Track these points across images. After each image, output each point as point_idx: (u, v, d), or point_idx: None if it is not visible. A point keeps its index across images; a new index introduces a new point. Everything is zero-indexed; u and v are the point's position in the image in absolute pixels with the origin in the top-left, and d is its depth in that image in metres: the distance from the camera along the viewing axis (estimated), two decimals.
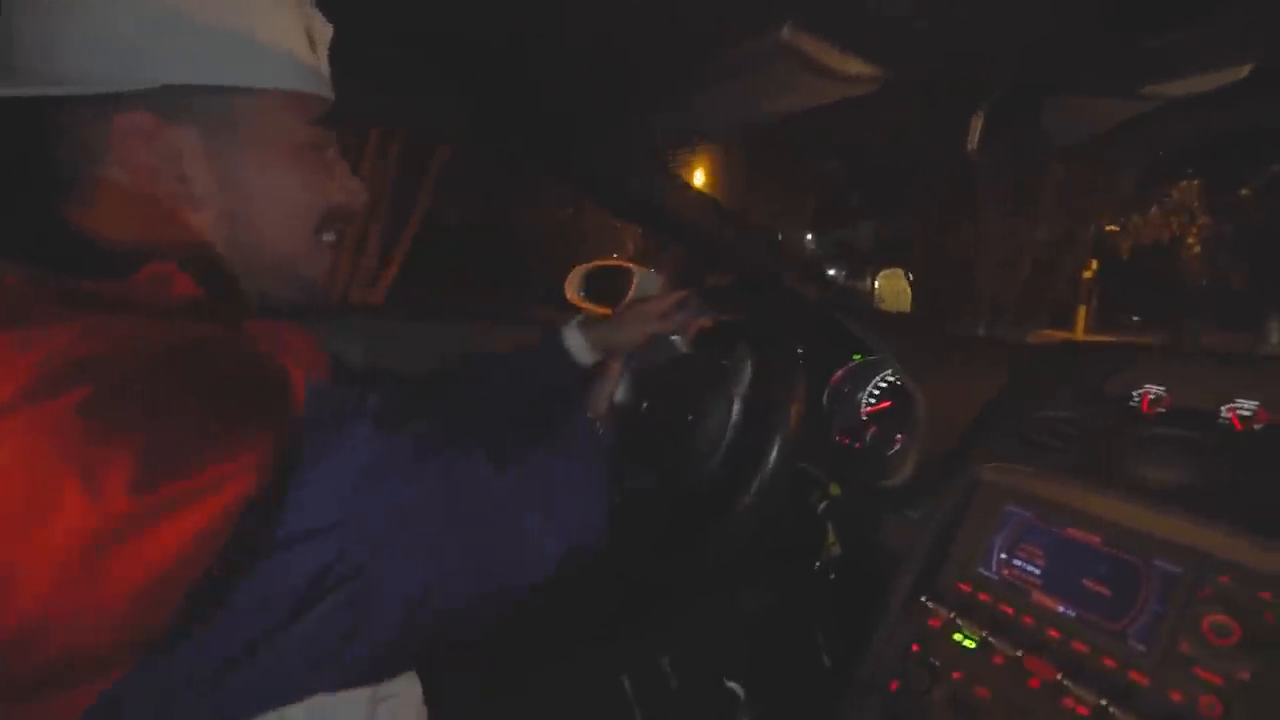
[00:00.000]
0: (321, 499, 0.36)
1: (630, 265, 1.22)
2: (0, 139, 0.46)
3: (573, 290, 1.26)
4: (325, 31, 0.51)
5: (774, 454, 0.75)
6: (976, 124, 0.72)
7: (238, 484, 0.33)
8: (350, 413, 0.41)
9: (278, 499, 0.34)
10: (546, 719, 0.65)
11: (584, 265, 1.29)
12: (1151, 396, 0.87)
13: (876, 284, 1.23)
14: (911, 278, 1.19)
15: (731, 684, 0.83)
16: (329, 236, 0.55)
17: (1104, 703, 0.62)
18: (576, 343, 0.88)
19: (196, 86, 0.43)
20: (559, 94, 0.88)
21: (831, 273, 1.44)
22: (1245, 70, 0.67)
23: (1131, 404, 0.88)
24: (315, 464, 0.37)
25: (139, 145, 0.43)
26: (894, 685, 0.76)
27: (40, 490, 0.29)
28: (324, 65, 0.51)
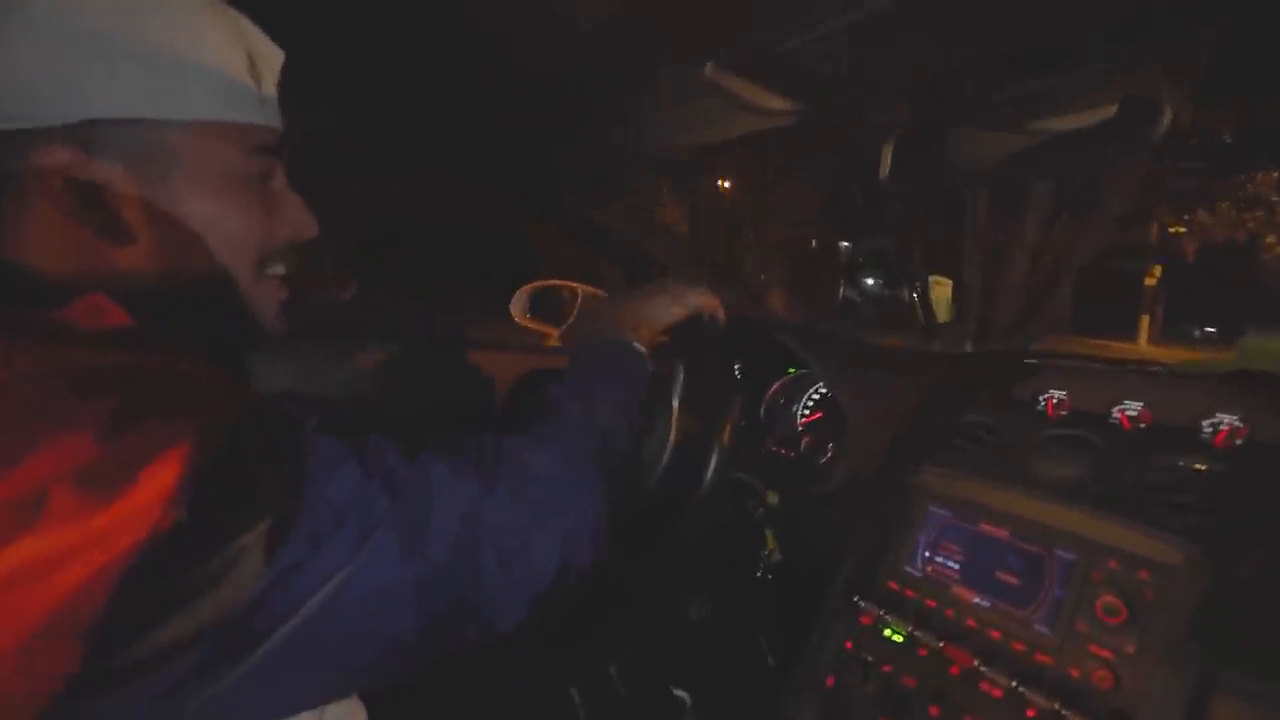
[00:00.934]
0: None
1: (575, 285, 1.25)
2: None
3: (519, 310, 1.28)
4: (272, 57, 0.50)
5: (711, 461, 0.78)
6: (886, 154, 0.78)
7: (146, 516, 0.32)
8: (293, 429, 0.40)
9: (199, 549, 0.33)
10: None
11: (529, 285, 1.31)
12: (1055, 400, 0.96)
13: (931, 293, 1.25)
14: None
15: (679, 692, 0.85)
16: (277, 269, 0.53)
17: (1014, 684, 0.67)
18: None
19: (120, 120, 0.42)
20: (501, 116, 0.91)
21: (870, 282, 1.45)
22: (1112, 109, 0.76)
23: (1038, 408, 0.96)
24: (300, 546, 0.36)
25: (59, 182, 0.41)
26: (830, 681, 0.80)
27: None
28: (268, 92, 0.49)
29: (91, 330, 0.39)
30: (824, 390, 1.12)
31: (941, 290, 1.35)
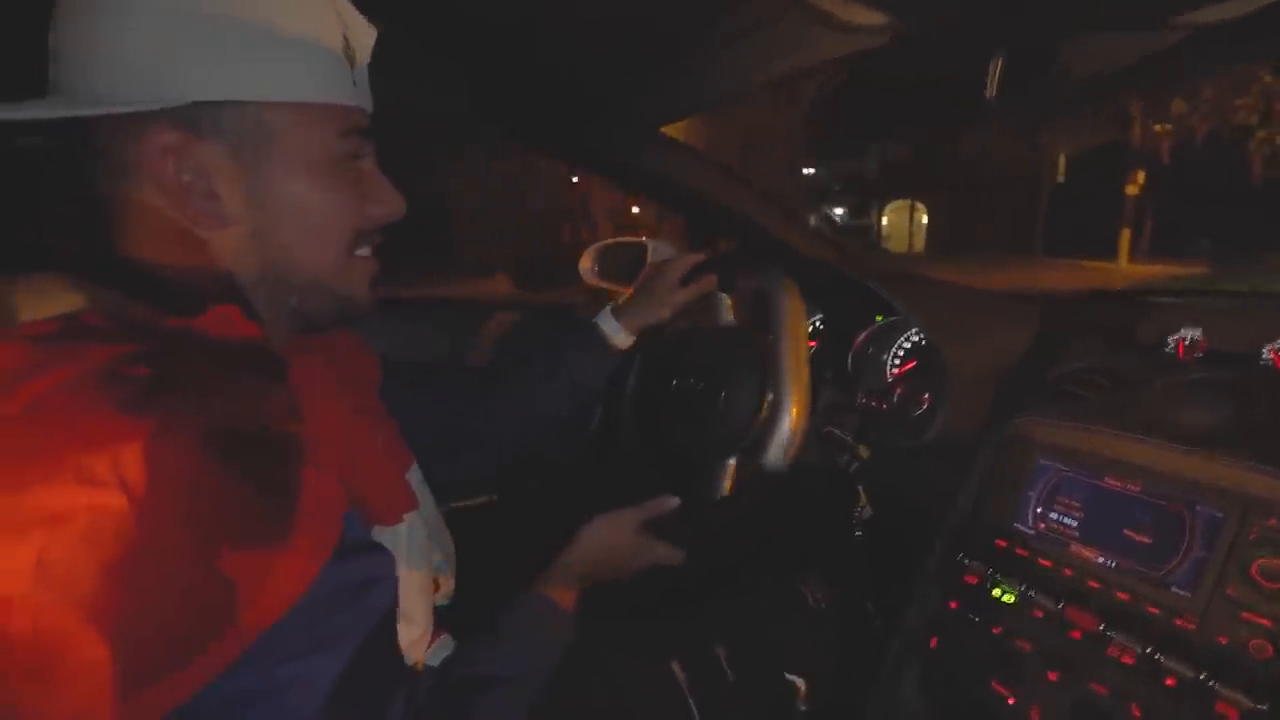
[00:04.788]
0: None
1: (643, 239, 1.21)
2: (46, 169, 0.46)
3: (588, 269, 1.25)
4: (367, 36, 0.49)
5: (789, 417, 0.74)
6: (995, 70, 0.69)
7: (291, 572, 0.35)
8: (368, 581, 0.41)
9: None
10: (593, 698, 0.65)
11: (597, 244, 1.28)
12: (1187, 341, 0.85)
13: (884, 220, 1.20)
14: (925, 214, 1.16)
15: (791, 676, 0.82)
16: (364, 251, 0.53)
17: (1148, 650, 0.61)
18: (612, 329, 0.86)
19: (225, 102, 0.42)
20: (565, 72, 0.86)
21: (839, 212, 1.40)
22: None
23: (1167, 350, 0.86)
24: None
25: (169, 164, 0.42)
26: (934, 642, 0.77)
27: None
28: (361, 72, 0.49)
29: (225, 343, 0.40)
30: (917, 338, 1.05)
31: (917, 215, 1.25)
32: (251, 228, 0.45)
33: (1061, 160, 12.70)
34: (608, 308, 0.89)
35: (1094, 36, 0.73)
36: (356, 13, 0.48)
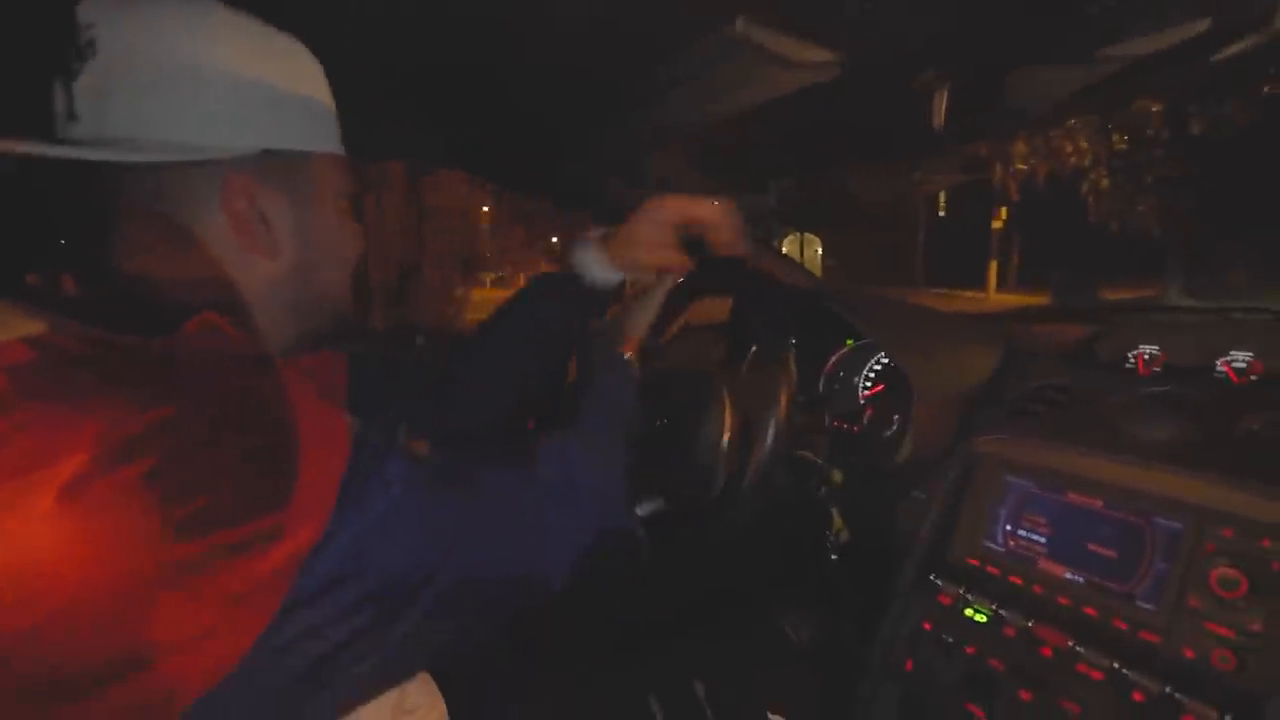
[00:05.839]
0: (349, 546, 0.39)
1: None
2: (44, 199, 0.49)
3: None
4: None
5: (769, 437, 0.74)
6: (940, 102, 0.72)
7: (298, 534, 0.37)
8: (383, 452, 0.43)
9: (322, 548, 0.38)
10: None
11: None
12: (1146, 356, 0.87)
13: (783, 251, 1.21)
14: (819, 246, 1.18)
15: (774, 716, 0.81)
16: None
17: (1116, 665, 0.61)
18: (592, 261, 0.77)
19: (284, 151, 0.51)
20: (529, 113, 0.89)
21: None
22: (1204, 25, 0.67)
23: (1127, 365, 0.88)
24: (347, 510, 0.39)
25: (242, 201, 0.49)
26: (909, 664, 0.76)
27: (114, 548, 0.33)
28: None
29: (211, 350, 0.43)
30: (886, 361, 1.06)
31: (811, 247, 1.29)
32: (295, 260, 0.53)
33: (942, 196, 13.77)
34: (585, 238, 0.79)
35: (1033, 69, 0.77)
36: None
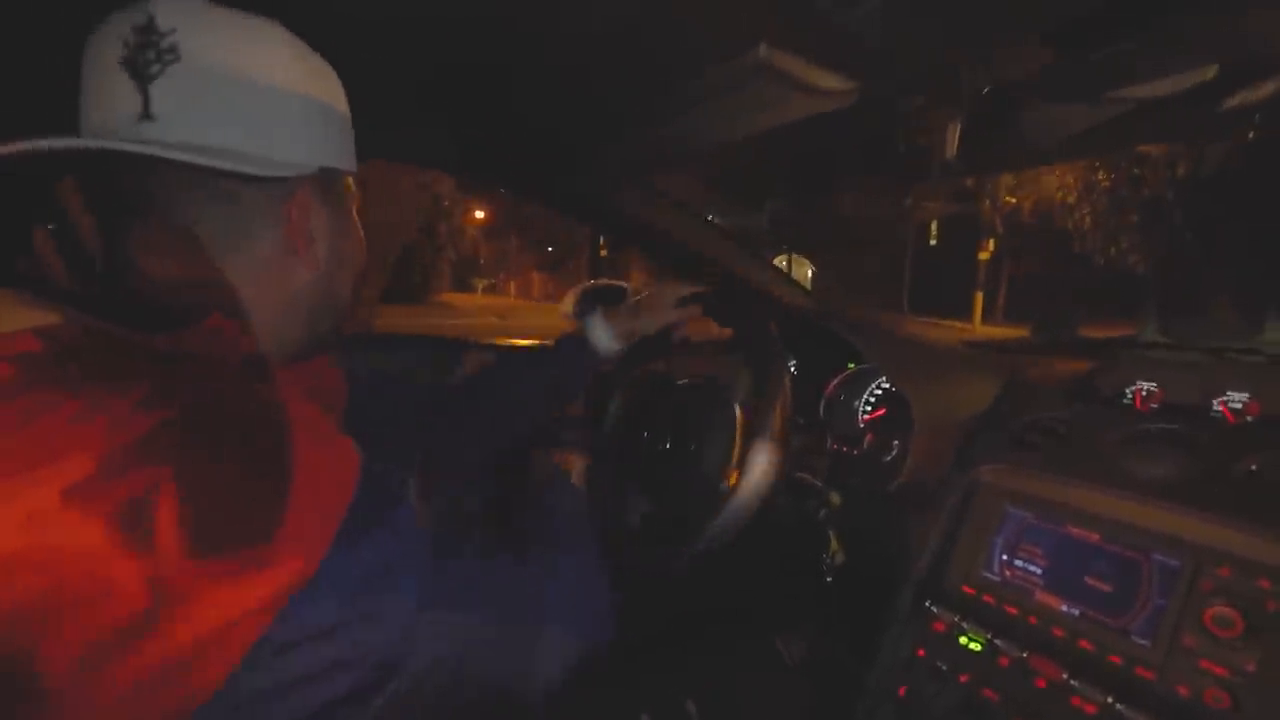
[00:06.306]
0: (331, 596, 0.38)
1: (624, 283, 1.24)
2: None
3: (568, 310, 1.28)
4: None
5: (764, 459, 0.74)
6: (954, 132, 0.73)
7: (287, 563, 0.36)
8: (391, 499, 0.44)
9: (306, 595, 0.37)
10: None
11: (579, 285, 1.31)
12: (1144, 392, 0.88)
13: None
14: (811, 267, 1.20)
15: None
16: None
17: (1110, 700, 0.61)
18: (601, 332, 0.90)
19: (330, 169, 0.53)
20: (544, 122, 0.90)
21: None
22: (1212, 71, 0.69)
23: (1125, 401, 0.89)
24: (348, 551, 0.39)
25: (303, 213, 0.52)
26: (902, 691, 0.76)
27: (111, 552, 0.32)
28: None
29: (217, 354, 0.43)
30: (887, 385, 1.07)
31: (801, 269, 1.32)
32: (325, 268, 0.55)
33: (934, 224, 13.86)
34: (598, 311, 0.91)
35: (1045, 105, 0.78)
36: None
